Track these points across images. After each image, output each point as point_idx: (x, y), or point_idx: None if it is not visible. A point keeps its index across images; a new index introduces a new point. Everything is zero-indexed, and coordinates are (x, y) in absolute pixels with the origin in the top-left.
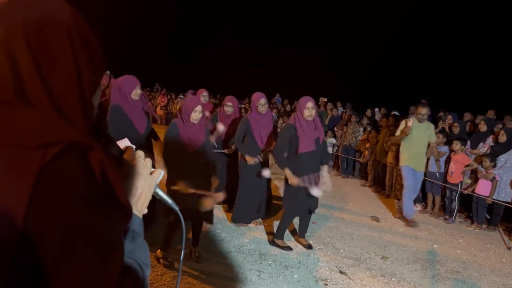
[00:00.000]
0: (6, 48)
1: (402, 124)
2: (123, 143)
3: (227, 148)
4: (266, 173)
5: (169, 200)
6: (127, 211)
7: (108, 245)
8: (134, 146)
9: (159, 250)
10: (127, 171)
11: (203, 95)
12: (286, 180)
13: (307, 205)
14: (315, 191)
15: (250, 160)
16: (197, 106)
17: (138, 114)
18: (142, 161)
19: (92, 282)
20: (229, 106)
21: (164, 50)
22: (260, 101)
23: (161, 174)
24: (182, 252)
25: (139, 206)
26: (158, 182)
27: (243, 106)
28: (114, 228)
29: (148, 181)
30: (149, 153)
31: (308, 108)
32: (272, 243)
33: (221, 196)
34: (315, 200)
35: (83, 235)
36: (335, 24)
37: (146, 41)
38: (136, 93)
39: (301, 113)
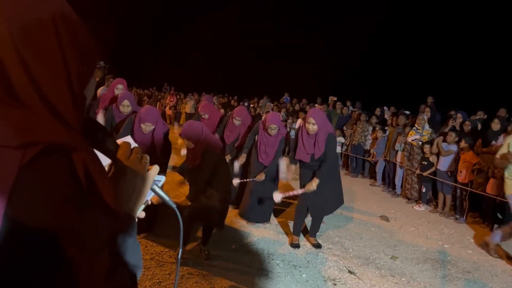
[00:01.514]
0: None
1: (505, 146)
2: (126, 140)
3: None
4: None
5: (166, 197)
6: (114, 212)
7: (93, 246)
8: (135, 144)
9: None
10: (121, 168)
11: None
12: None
13: (315, 206)
14: (275, 196)
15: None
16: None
17: (141, 143)
18: (139, 157)
19: (76, 283)
20: (238, 120)
21: (167, 50)
22: (271, 126)
23: (157, 171)
24: (180, 250)
25: (132, 204)
26: (162, 183)
27: (251, 106)
28: (98, 229)
29: (144, 178)
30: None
31: (309, 123)
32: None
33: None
34: (320, 202)
35: (65, 236)
36: (342, 22)
37: (149, 41)
38: (145, 127)
39: (304, 125)
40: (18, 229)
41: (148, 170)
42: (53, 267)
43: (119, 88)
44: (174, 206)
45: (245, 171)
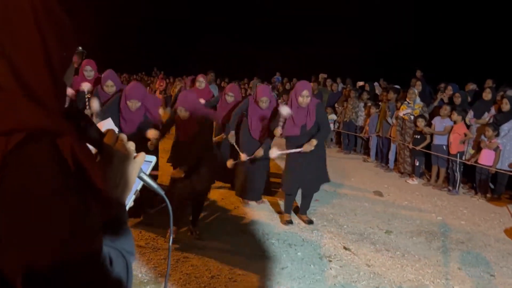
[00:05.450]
0: None
1: None
2: (107, 123)
3: (225, 134)
4: (274, 153)
5: (154, 184)
6: (105, 198)
7: (86, 234)
8: (116, 128)
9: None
10: (107, 155)
11: (199, 80)
12: (287, 157)
13: (302, 182)
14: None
15: (242, 157)
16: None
17: (130, 120)
18: (125, 145)
19: (73, 270)
20: (230, 96)
21: (161, 32)
22: (262, 99)
23: (145, 157)
24: (171, 238)
25: (121, 192)
26: (150, 168)
27: (242, 87)
28: (90, 217)
29: (131, 165)
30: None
31: (303, 96)
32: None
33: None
34: (311, 179)
35: (56, 225)
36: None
37: (142, 26)
38: (132, 105)
39: (296, 99)
40: (6, 221)
41: (134, 157)
42: (43, 257)
43: (88, 69)
44: (162, 193)
45: (233, 151)
